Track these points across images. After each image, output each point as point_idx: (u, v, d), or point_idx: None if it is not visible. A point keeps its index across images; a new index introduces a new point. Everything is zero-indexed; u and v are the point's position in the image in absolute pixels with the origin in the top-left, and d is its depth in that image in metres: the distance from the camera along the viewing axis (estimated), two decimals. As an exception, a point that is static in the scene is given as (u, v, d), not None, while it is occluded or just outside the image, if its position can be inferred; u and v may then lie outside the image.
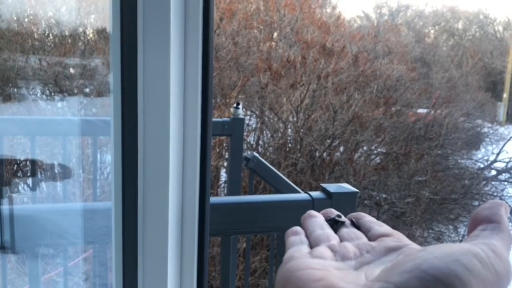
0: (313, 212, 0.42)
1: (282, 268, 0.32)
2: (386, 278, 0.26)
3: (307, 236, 0.38)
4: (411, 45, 9.73)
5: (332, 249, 0.35)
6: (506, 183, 6.75)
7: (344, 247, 0.35)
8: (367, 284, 0.27)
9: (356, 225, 0.40)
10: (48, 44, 5.10)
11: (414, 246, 0.34)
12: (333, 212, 0.42)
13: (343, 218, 0.41)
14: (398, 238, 0.36)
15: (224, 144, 5.16)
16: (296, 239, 0.38)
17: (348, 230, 0.39)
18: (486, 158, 7.13)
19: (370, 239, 0.37)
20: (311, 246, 0.37)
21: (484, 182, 6.41)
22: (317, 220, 0.40)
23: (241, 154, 2.88)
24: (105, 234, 1.25)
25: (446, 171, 6.13)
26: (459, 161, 6.65)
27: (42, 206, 2.24)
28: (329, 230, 0.39)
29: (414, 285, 0.25)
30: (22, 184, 3.41)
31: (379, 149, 6.19)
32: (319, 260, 0.32)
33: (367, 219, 0.40)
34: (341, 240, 0.37)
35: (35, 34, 4.94)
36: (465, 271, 0.25)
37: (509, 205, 6.01)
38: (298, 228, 0.40)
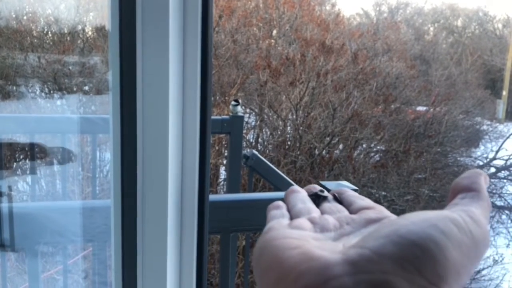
0: (296, 187, 0.42)
1: (260, 238, 0.32)
2: (361, 244, 0.26)
3: (288, 211, 0.38)
4: (410, 43, 9.73)
5: (312, 221, 0.34)
6: (505, 180, 6.76)
7: (324, 219, 0.34)
8: (343, 251, 0.27)
9: (338, 200, 0.40)
10: (47, 42, 5.09)
11: (395, 217, 0.33)
12: (316, 188, 0.42)
13: (325, 193, 0.41)
14: (379, 210, 0.35)
15: (224, 142, 5.16)
16: (277, 212, 0.37)
17: (330, 205, 0.39)
18: (485, 155, 7.14)
19: (351, 212, 0.37)
20: (292, 219, 0.36)
21: (483, 180, 6.41)
22: (300, 195, 0.40)
23: (240, 151, 2.87)
24: (105, 232, 1.25)
25: (445, 168, 6.14)
26: (458, 158, 6.66)
27: (42, 204, 2.24)
28: (311, 204, 0.39)
29: (390, 249, 0.25)
30: (21, 182, 3.41)
31: (378, 147, 6.19)
32: (298, 231, 0.32)
33: (350, 193, 0.40)
34: (323, 213, 0.37)
35: (34, 31, 4.93)
36: (441, 235, 0.25)
37: (508, 203, 6.00)
38: (280, 202, 0.39)
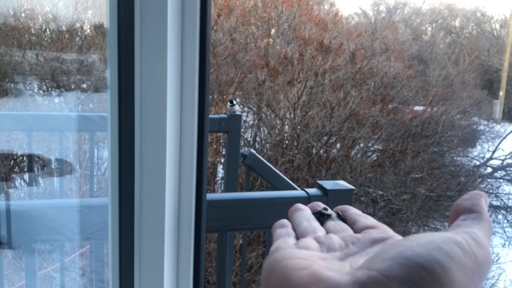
0: (300, 205, 0.43)
1: (268, 258, 0.32)
2: (369, 265, 0.27)
3: (293, 229, 0.39)
4: (408, 43, 9.74)
5: (318, 240, 0.35)
6: (501, 180, 6.78)
7: (330, 239, 0.35)
8: (351, 272, 0.28)
9: (342, 217, 0.40)
10: (45, 39, 5.08)
11: (399, 238, 0.34)
12: (320, 205, 0.42)
13: (329, 211, 0.41)
14: (383, 230, 0.36)
15: (221, 141, 5.16)
16: (283, 231, 0.38)
17: (334, 223, 0.39)
18: (482, 155, 7.16)
19: (355, 231, 0.37)
20: (298, 238, 0.37)
21: (479, 180, 6.44)
22: (304, 213, 0.41)
23: (238, 150, 2.87)
24: (102, 230, 1.25)
25: (442, 168, 6.15)
26: (455, 158, 6.68)
27: (39, 201, 2.24)
28: (315, 223, 0.39)
29: (397, 271, 0.25)
30: (19, 180, 3.40)
31: (375, 146, 6.20)
32: (305, 251, 0.33)
33: (353, 211, 0.41)
34: (327, 232, 0.38)
35: (32, 29, 4.92)
36: (446, 258, 0.26)
37: (504, 202, 6.01)
38: (285, 221, 0.40)
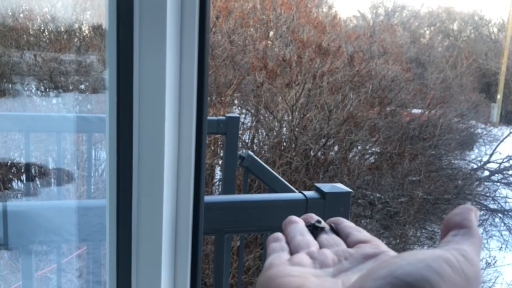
0: (294, 217, 0.43)
1: (262, 275, 0.33)
2: (361, 284, 0.27)
3: (287, 242, 0.39)
4: (406, 46, 9.76)
5: (311, 256, 0.36)
6: (498, 183, 6.79)
7: (323, 254, 0.36)
8: None
9: (335, 230, 0.41)
10: (44, 40, 5.08)
11: (391, 253, 0.35)
12: (313, 217, 0.43)
13: (322, 224, 0.42)
14: (376, 244, 0.37)
15: (219, 142, 5.16)
16: (277, 245, 0.39)
17: (328, 236, 0.40)
18: (479, 158, 7.17)
19: (348, 245, 0.38)
20: (292, 252, 0.38)
21: (477, 183, 6.45)
22: (298, 226, 0.41)
23: (236, 152, 2.87)
24: (99, 232, 1.25)
25: (439, 171, 6.16)
26: (452, 161, 6.69)
27: (36, 203, 2.23)
28: (309, 236, 0.40)
29: None
30: (16, 181, 3.39)
31: (373, 149, 6.20)
32: (298, 268, 0.33)
33: (346, 224, 0.41)
34: (321, 246, 0.38)
35: (31, 29, 4.92)
36: (435, 276, 0.26)
37: (501, 206, 6.02)
38: (279, 235, 0.41)
